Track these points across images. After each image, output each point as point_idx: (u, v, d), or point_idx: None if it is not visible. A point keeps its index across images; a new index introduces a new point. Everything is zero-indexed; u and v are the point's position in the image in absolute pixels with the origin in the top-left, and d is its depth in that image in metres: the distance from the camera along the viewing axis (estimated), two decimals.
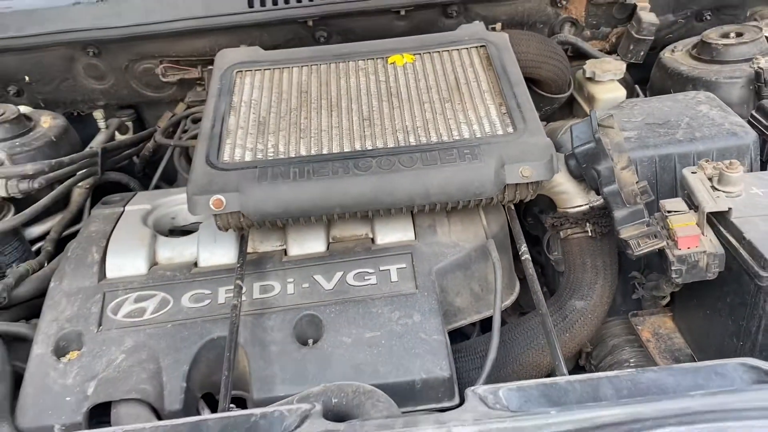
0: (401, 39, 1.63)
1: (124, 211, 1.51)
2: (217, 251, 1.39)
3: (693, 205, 1.21)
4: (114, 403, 1.15)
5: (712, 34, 1.76)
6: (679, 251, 1.13)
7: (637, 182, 1.22)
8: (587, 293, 1.30)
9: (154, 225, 1.51)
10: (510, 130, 1.33)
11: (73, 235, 1.64)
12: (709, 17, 1.97)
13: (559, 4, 1.85)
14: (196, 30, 1.77)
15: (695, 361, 1.36)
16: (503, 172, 1.23)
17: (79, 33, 1.77)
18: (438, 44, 1.59)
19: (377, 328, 1.23)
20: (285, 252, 1.39)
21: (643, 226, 1.14)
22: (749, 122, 1.51)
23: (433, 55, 1.57)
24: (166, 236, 1.47)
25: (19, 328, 1.35)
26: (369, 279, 1.31)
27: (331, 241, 1.41)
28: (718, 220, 1.17)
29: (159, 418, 1.16)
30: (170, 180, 1.95)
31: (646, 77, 1.94)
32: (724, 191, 1.19)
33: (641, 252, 1.13)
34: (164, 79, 1.85)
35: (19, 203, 1.57)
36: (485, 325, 1.49)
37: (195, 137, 1.74)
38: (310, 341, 1.24)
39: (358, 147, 1.33)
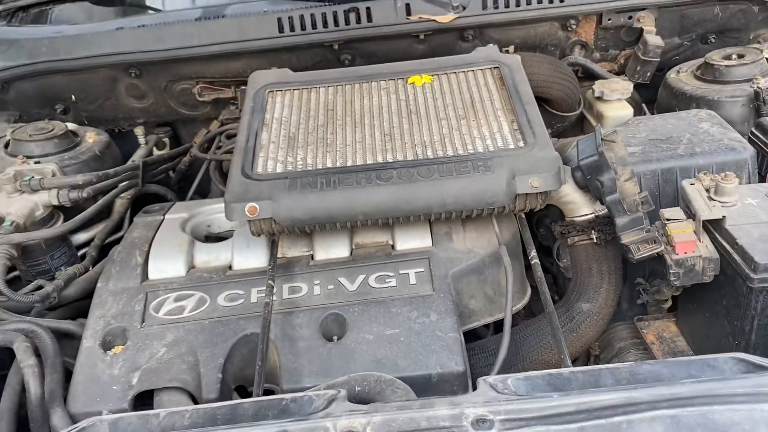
0: (420, 61, 1.75)
1: (164, 219, 1.64)
2: (250, 256, 1.50)
3: (691, 213, 1.30)
4: (156, 391, 1.26)
5: (715, 56, 1.86)
6: (676, 256, 1.22)
7: (638, 193, 1.32)
8: (593, 296, 1.40)
9: (192, 232, 1.63)
10: (521, 144, 1.43)
11: (115, 241, 1.78)
12: (713, 40, 2.07)
13: (569, 28, 1.97)
14: (230, 53, 1.91)
15: None
16: (514, 182, 1.34)
17: (123, 56, 1.91)
18: (454, 66, 1.71)
19: (397, 326, 1.33)
20: (312, 257, 1.50)
21: (643, 232, 1.24)
22: (749, 139, 1.60)
23: (449, 76, 1.69)
24: (203, 242, 1.60)
25: (68, 325, 1.47)
26: (389, 281, 1.41)
27: (354, 247, 1.51)
28: (713, 228, 1.26)
29: None
30: (203, 193, 2.08)
31: (653, 97, 2.04)
32: (720, 201, 1.29)
33: (641, 256, 1.23)
34: (200, 99, 1.99)
35: (66, 212, 1.71)
36: (498, 327, 1.59)
37: (230, 151, 1.87)
38: (335, 338, 1.34)
39: (380, 160, 1.45)
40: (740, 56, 1.83)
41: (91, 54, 1.93)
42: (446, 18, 1.86)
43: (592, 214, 1.40)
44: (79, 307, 1.64)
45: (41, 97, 2.04)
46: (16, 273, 1.64)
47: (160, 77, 1.99)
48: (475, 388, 1.22)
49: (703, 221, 1.25)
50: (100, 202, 1.67)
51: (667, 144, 1.56)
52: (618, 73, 2.06)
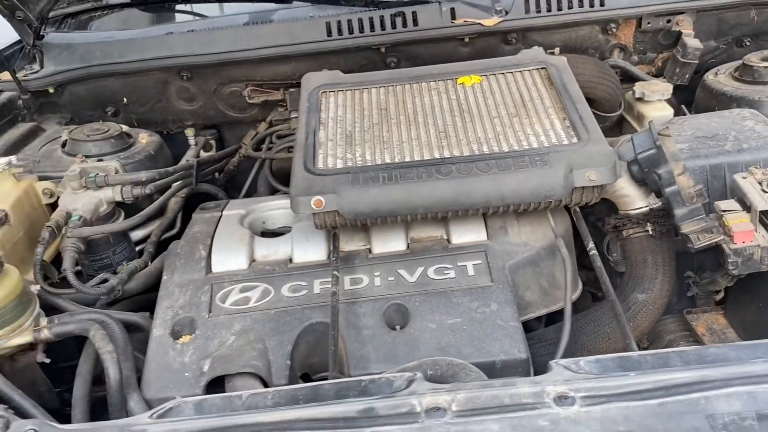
0: (468, 62, 1.80)
1: (221, 215, 1.69)
2: (310, 249, 1.55)
3: (745, 206, 1.34)
4: (228, 377, 1.30)
5: (753, 58, 1.91)
6: (734, 245, 1.26)
7: (692, 186, 1.36)
8: (648, 287, 1.44)
9: (248, 228, 1.68)
10: (574, 140, 1.48)
11: (169, 238, 1.83)
12: (748, 43, 2.12)
13: (609, 32, 2.02)
14: (280, 56, 1.97)
15: None
16: (572, 176, 1.38)
17: (176, 59, 1.97)
18: (502, 66, 1.76)
19: (458, 315, 1.37)
20: (369, 250, 1.54)
21: (702, 222, 1.28)
22: None
23: (498, 76, 1.73)
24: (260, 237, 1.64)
25: (134, 317, 1.51)
26: (448, 273, 1.45)
27: (409, 241, 1.56)
28: None
29: None
30: (249, 192, 2.12)
31: (687, 99, 2.09)
32: None
33: (701, 245, 1.27)
34: (250, 101, 2.05)
35: (125, 209, 1.76)
36: (549, 320, 1.63)
37: (283, 150, 1.92)
38: (397, 327, 1.38)
39: (436, 156, 1.50)
40: None
41: (144, 57, 1.99)
42: (491, 21, 1.91)
43: (646, 207, 1.44)
44: (139, 301, 1.69)
45: (94, 99, 2.10)
46: (77, 268, 1.69)
47: (210, 80, 2.05)
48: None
49: (759, 212, 1.28)
50: (162, 198, 1.72)
51: (713, 141, 1.60)
52: (655, 76, 2.10)
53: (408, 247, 1.54)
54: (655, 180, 1.34)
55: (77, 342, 1.60)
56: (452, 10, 1.94)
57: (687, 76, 2.02)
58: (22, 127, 1.98)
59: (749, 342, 1.09)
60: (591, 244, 1.40)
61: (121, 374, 1.28)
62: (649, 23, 2.01)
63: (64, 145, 1.90)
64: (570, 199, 1.42)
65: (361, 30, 1.95)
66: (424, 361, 1.22)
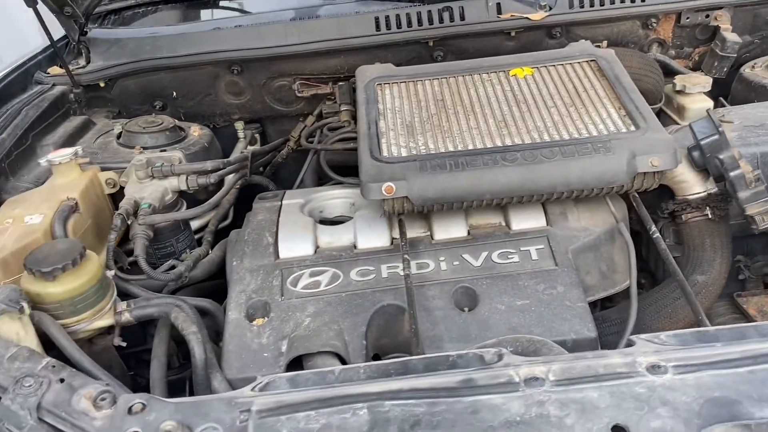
0: (518, 55, 1.85)
1: (281, 204, 1.73)
2: (373, 236, 1.59)
3: None
4: (309, 357, 1.34)
5: None
6: None
7: (751, 171, 1.41)
8: (707, 269, 1.49)
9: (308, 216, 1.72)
10: (632, 128, 1.53)
11: (225, 228, 1.88)
12: None
13: (649, 26, 2.07)
14: (329, 50, 2.01)
15: None
16: (635, 162, 1.43)
17: (228, 53, 2.01)
18: (552, 59, 1.81)
19: (526, 297, 1.41)
20: (431, 237, 1.59)
21: (767, 204, 1.33)
22: None
23: (549, 69, 1.78)
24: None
25: (204, 303, 1.55)
26: (512, 257, 1.50)
27: (468, 228, 1.60)
28: None
29: None
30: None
31: (719, 93, 2.14)
32: None
33: (766, 226, 1.32)
34: (299, 94, 2.09)
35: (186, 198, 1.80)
36: (604, 306, 1.68)
37: (340, 141, 1.97)
38: (466, 309, 1.43)
39: (498, 144, 1.54)
40: None
41: (196, 51, 2.03)
42: (537, 16, 1.96)
43: (704, 192, 1.50)
44: (199, 288, 1.73)
45: (143, 93, 2.14)
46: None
47: (260, 74, 2.09)
48: None
49: None
50: (226, 187, 1.76)
51: (762, 129, 1.65)
52: (692, 70, 2.16)
53: (469, 233, 1.58)
54: (716, 165, 1.40)
55: (142, 328, 1.65)
56: (498, 5, 1.99)
57: (725, 69, 2.07)
58: (75, 120, 2.01)
59: None
60: (653, 228, 1.45)
61: (206, 354, 1.32)
62: (688, 18, 2.06)
63: (119, 137, 1.94)
64: (631, 184, 1.47)
65: (410, 24, 2.00)
66: (503, 339, 1.26)
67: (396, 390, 1.04)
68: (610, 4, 1.99)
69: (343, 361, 1.35)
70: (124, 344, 1.46)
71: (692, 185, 1.51)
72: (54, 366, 1.16)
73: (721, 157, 1.38)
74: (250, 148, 2.17)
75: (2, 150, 1.68)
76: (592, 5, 1.99)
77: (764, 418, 0.91)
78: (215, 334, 1.55)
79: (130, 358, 1.63)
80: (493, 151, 1.50)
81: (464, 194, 1.47)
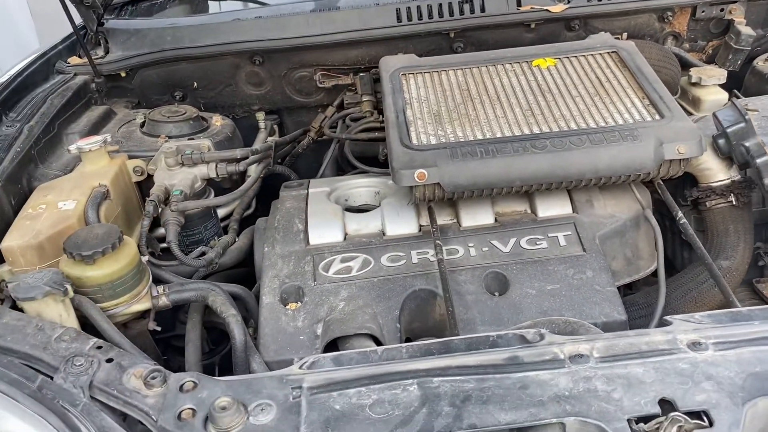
0: (540, 46, 1.88)
1: (308, 192, 1.75)
2: (401, 223, 1.61)
3: None
4: (345, 339, 1.36)
5: None
6: None
7: None
8: (731, 254, 1.52)
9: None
10: (657, 117, 1.56)
11: (248, 216, 1.90)
12: None
13: (665, 20, 2.11)
14: (351, 41, 2.03)
15: None
16: (662, 150, 1.46)
17: (250, 43, 2.03)
18: (573, 50, 1.84)
19: (556, 282, 1.44)
20: (459, 224, 1.61)
21: None
22: None
23: (571, 59, 1.81)
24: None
25: (235, 288, 1.57)
26: (540, 243, 1.53)
27: (495, 216, 1.63)
28: None
29: None
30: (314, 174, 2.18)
31: (731, 86, 2.17)
32: None
33: None
34: (320, 85, 2.11)
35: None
36: (625, 293, 1.71)
37: (363, 131, 1.99)
38: (496, 293, 1.45)
39: (526, 131, 1.57)
40: None
41: (217, 42, 2.05)
42: (557, 8, 1.99)
43: (728, 179, 1.53)
44: (225, 275, 1.75)
45: (164, 83, 2.15)
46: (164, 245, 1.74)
47: (281, 65, 2.11)
48: None
49: None
50: (254, 176, 1.78)
51: None
52: (705, 63, 2.20)
53: (496, 220, 1.61)
54: (742, 152, 1.43)
55: (173, 314, 1.67)
56: None
57: (739, 62, 2.11)
58: (97, 110, 2.02)
59: None
60: (680, 214, 1.48)
61: (246, 336, 1.34)
62: (703, 12, 2.10)
63: (142, 126, 1.95)
64: (657, 172, 1.50)
65: (430, 16, 2.02)
66: (539, 321, 1.30)
67: (444, 367, 1.06)
68: None
69: (379, 344, 1.37)
70: (158, 328, 1.48)
71: (716, 173, 1.54)
72: (101, 347, 1.17)
73: (747, 144, 1.41)
74: (271, 138, 2.18)
75: (31, 137, 1.69)
76: None
77: None
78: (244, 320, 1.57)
79: (159, 343, 1.64)
80: (522, 139, 1.53)
81: (495, 181, 1.50)
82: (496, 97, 1.70)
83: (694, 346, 1.05)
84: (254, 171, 1.81)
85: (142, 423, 1.12)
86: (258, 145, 1.99)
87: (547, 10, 1.99)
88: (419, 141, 1.58)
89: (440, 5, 2.01)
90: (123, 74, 2.12)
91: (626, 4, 2.02)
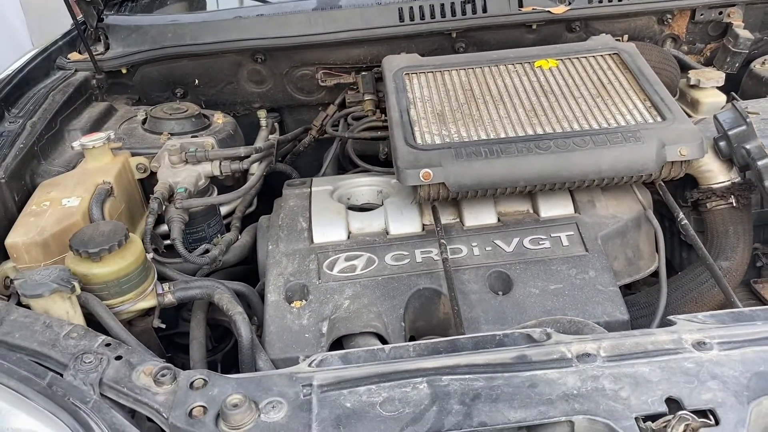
0: (542, 47, 1.89)
1: (311, 191, 1.76)
2: (405, 222, 1.62)
3: None
4: (350, 337, 1.37)
5: None
6: None
7: None
8: (731, 255, 1.54)
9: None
10: (659, 119, 1.58)
11: (250, 214, 1.90)
12: None
13: (665, 22, 2.13)
14: (353, 40, 2.03)
15: None
16: (664, 151, 1.48)
17: (253, 41, 2.03)
18: (575, 52, 1.86)
19: (559, 281, 1.46)
20: (462, 224, 1.62)
21: None
22: None
23: (573, 61, 1.83)
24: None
25: (239, 286, 1.57)
26: (543, 243, 1.54)
27: (498, 215, 1.64)
28: None
29: None
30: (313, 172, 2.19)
31: (728, 89, 2.20)
32: None
33: None
34: (322, 84, 2.11)
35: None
36: (624, 293, 1.72)
37: (366, 129, 2.00)
38: (500, 293, 1.47)
39: (530, 132, 1.58)
40: None
41: (220, 39, 2.04)
42: (559, 9, 2.00)
43: (728, 181, 1.55)
44: (230, 272, 1.75)
45: (164, 80, 2.15)
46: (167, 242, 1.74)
47: (283, 63, 2.11)
48: None
49: None
50: (258, 174, 1.78)
51: None
52: (703, 65, 2.22)
53: (499, 220, 1.62)
54: (743, 154, 1.45)
55: (176, 311, 1.67)
56: None
57: (737, 64, 2.13)
58: (98, 106, 2.02)
59: None
60: (681, 215, 1.50)
61: (252, 334, 1.34)
62: (702, 15, 2.12)
63: (143, 123, 1.95)
64: (659, 173, 1.52)
65: (432, 16, 2.03)
66: (543, 320, 1.31)
67: (453, 365, 1.08)
68: None
69: (384, 342, 1.38)
70: (163, 326, 1.48)
71: (717, 174, 1.56)
72: (109, 344, 1.18)
73: (747, 147, 1.43)
74: (273, 136, 2.19)
75: (34, 134, 1.69)
76: (611, 0, 2.04)
77: None
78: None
79: (162, 341, 1.64)
80: (525, 140, 1.54)
81: (499, 181, 1.51)
82: (499, 98, 1.72)
83: (699, 345, 1.06)
84: (257, 169, 1.81)
85: (150, 420, 1.13)
86: (260, 143, 2.00)
87: (548, 11, 2.01)
88: (423, 141, 1.59)
89: (442, 5, 2.02)
90: (124, 71, 2.11)
91: (627, 6, 2.04)
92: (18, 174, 1.59)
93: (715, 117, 1.53)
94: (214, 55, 2.08)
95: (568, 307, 1.41)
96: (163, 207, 1.60)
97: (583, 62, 1.82)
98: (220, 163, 1.70)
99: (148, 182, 1.78)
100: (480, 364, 1.07)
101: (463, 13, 2.03)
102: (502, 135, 1.59)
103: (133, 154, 1.78)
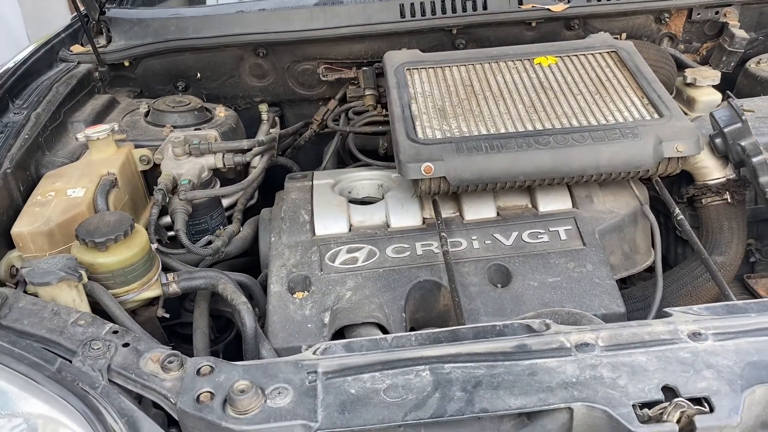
0: (541, 44, 1.92)
1: (313, 184, 1.78)
2: (405, 215, 1.64)
3: None
4: (352, 327, 1.39)
5: None
6: None
7: None
8: (725, 250, 1.57)
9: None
10: (656, 116, 1.60)
11: (250, 207, 1.92)
12: None
13: (662, 21, 2.16)
14: (355, 36, 2.06)
15: None
16: (661, 148, 1.51)
17: (255, 36, 2.05)
18: (574, 49, 1.88)
19: (557, 275, 1.48)
20: (462, 217, 1.65)
21: None
22: None
23: (572, 58, 1.85)
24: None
25: (241, 277, 1.59)
26: (542, 237, 1.57)
27: (497, 210, 1.67)
28: None
29: None
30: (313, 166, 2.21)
31: (723, 88, 2.23)
32: None
33: None
34: (323, 78, 2.13)
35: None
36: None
37: (367, 124, 2.02)
38: (499, 285, 1.49)
39: (529, 128, 1.61)
40: None
41: (222, 33, 2.06)
42: (558, 7, 2.03)
43: (723, 177, 1.58)
44: (231, 264, 1.77)
45: (167, 74, 2.16)
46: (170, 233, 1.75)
47: (285, 57, 2.13)
48: None
49: None
50: (260, 167, 1.80)
51: None
52: (700, 64, 2.25)
53: (498, 214, 1.65)
54: (738, 151, 1.48)
55: (179, 301, 1.69)
56: None
57: (732, 64, 2.16)
58: (100, 99, 2.03)
59: None
60: (677, 210, 1.53)
61: (256, 324, 1.36)
62: (698, 14, 2.15)
63: (146, 115, 1.96)
64: (656, 169, 1.54)
65: (433, 12, 2.05)
66: (542, 312, 1.33)
67: (454, 354, 1.10)
68: None
69: (385, 333, 1.40)
70: (167, 315, 1.50)
71: (712, 171, 1.60)
72: (116, 331, 1.20)
73: (743, 143, 1.46)
74: (274, 130, 2.21)
75: (38, 125, 1.70)
76: None
77: None
78: None
79: (164, 331, 1.66)
80: (525, 135, 1.57)
81: (499, 175, 1.53)
82: (500, 94, 1.74)
83: (695, 336, 1.09)
84: (260, 162, 1.83)
85: (155, 407, 1.15)
86: (261, 136, 2.02)
87: (547, 9, 2.03)
88: (425, 135, 1.61)
89: (443, 2, 2.04)
90: (126, 63, 2.13)
91: (625, 5, 2.07)
92: (23, 164, 1.61)
93: (711, 114, 1.56)
94: (216, 48, 2.10)
95: (565, 299, 1.44)
96: (167, 198, 1.62)
97: (581, 59, 1.84)
98: (224, 156, 1.72)
99: (150, 174, 1.80)
100: (481, 352, 1.10)
101: (464, 10, 2.05)
102: (502, 130, 1.61)
103: (136, 146, 1.80)
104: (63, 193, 1.55)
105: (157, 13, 2.19)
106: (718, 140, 1.54)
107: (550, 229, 1.58)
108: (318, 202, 1.69)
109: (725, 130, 1.49)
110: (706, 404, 0.97)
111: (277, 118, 2.27)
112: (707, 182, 1.61)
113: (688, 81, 2.07)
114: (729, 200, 1.57)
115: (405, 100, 1.71)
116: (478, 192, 1.62)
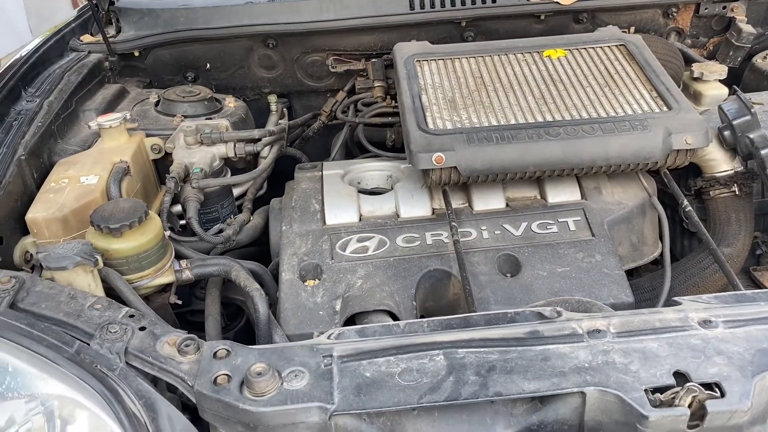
0: (550, 37, 1.93)
1: (322, 174, 1.79)
2: (415, 205, 1.66)
3: None
4: (363, 315, 1.41)
5: None
6: None
7: None
8: (732, 241, 1.59)
9: None
10: (665, 109, 1.62)
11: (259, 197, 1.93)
12: None
13: (670, 15, 2.17)
14: (364, 27, 2.07)
15: None
16: (670, 140, 1.52)
17: (265, 26, 2.06)
18: (583, 42, 1.89)
19: (566, 264, 1.50)
20: (471, 208, 1.66)
21: None
22: None
23: (581, 51, 1.86)
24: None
25: (253, 265, 1.60)
26: (551, 228, 1.58)
27: (506, 201, 1.68)
28: None
29: None
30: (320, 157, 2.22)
31: (729, 82, 2.24)
32: None
33: None
34: (332, 70, 2.15)
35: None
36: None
37: (376, 115, 2.03)
38: (508, 275, 1.51)
39: (539, 119, 1.62)
40: None
41: (232, 24, 2.07)
42: (567, 0, 2.04)
43: (731, 170, 1.60)
44: (241, 253, 1.79)
45: (176, 64, 2.17)
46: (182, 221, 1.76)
47: (294, 49, 2.14)
48: None
49: None
50: (271, 156, 1.81)
51: None
52: (707, 59, 2.26)
53: (507, 205, 1.66)
54: (747, 144, 1.49)
55: (189, 289, 1.70)
56: None
57: (739, 58, 2.18)
58: (111, 88, 2.04)
59: None
60: (685, 202, 1.54)
61: (269, 310, 1.38)
62: (706, 9, 2.16)
63: (156, 105, 1.97)
64: (665, 161, 1.56)
65: (443, 5, 2.06)
66: (552, 301, 1.35)
67: (468, 339, 1.11)
68: None
69: (396, 320, 1.42)
70: (180, 302, 1.51)
71: (720, 163, 1.61)
72: (133, 315, 1.21)
73: (751, 136, 1.47)
74: (283, 121, 2.22)
75: (51, 113, 1.71)
76: None
77: None
78: None
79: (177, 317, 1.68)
80: (535, 126, 1.58)
81: (510, 166, 1.55)
82: (509, 85, 1.75)
83: (705, 323, 1.10)
84: (270, 152, 1.84)
85: (170, 391, 1.17)
86: (271, 127, 2.03)
87: (556, 2, 2.04)
88: (435, 126, 1.62)
89: None
90: (136, 53, 2.14)
91: None
92: (36, 152, 1.62)
93: (719, 107, 1.58)
94: (226, 39, 2.11)
95: (575, 289, 1.46)
96: (179, 187, 1.63)
97: (590, 52, 1.86)
98: (235, 145, 1.73)
99: (161, 163, 1.81)
100: (494, 338, 1.11)
101: (473, 2, 2.06)
102: (513, 121, 1.62)
103: (147, 135, 1.81)
104: (76, 180, 1.56)
105: (167, 4, 2.19)
106: (726, 133, 1.55)
107: (559, 220, 1.60)
108: (328, 191, 1.71)
109: (734, 122, 1.51)
110: (717, 389, 0.98)
111: (285, 109, 2.28)
112: (715, 174, 1.62)
113: (695, 75, 2.07)
114: (737, 192, 1.59)
115: (415, 90, 1.73)
116: (488, 183, 1.63)
